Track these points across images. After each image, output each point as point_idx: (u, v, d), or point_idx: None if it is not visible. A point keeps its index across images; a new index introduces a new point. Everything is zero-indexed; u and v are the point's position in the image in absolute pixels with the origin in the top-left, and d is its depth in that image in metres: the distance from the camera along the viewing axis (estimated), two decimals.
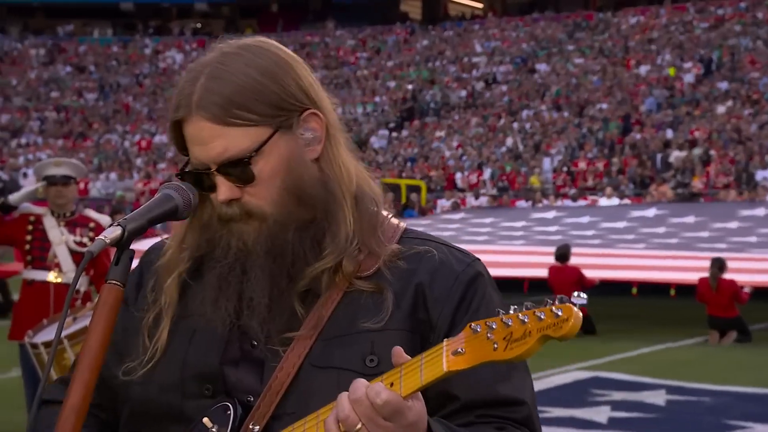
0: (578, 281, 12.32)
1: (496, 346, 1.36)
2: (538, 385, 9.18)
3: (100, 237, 1.45)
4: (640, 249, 14.39)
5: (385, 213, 1.67)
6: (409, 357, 1.43)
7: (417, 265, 1.63)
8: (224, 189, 1.59)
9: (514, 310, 1.37)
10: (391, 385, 1.40)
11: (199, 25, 46.82)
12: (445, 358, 1.39)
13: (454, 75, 36.13)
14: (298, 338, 1.58)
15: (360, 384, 1.41)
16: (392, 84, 36.70)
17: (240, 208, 1.60)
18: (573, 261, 12.61)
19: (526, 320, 1.35)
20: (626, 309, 14.38)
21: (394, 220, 1.69)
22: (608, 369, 10.07)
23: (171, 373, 1.62)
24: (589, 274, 12.59)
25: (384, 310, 1.59)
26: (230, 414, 1.56)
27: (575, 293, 1.35)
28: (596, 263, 13.27)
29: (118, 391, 1.68)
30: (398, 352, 1.44)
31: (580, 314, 1.33)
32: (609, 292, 14.03)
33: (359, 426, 1.39)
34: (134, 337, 1.67)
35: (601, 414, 7.99)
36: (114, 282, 1.48)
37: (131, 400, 1.58)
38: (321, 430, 1.45)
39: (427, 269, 1.63)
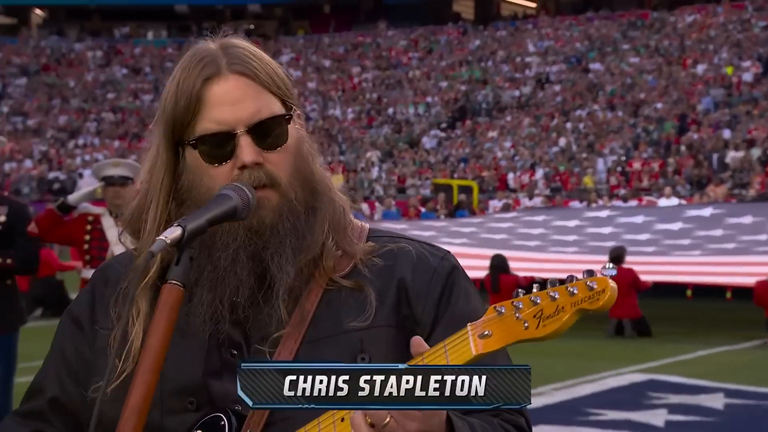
0: (633, 283, 12.19)
1: (526, 324, 1.36)
2: (593, 387, 9.11)
3: (161, 237, 1.43)
4: (695, 256, 14.15)
5: (350, 216, 1.68)
6: (428, 346, 1.42)
7: (394, 261, 1.63)
8: (251, 150, 1.55)
9: (538, 288, 1.37)
10: None
11: (252, 27, 47.14)
12: (472, 342, 1.39)
13: (506, 75, 35.94)
14: (284, 338, 1.56)
15: None
16: (444, 84, 36.61)
17: (266, 174, 1.56)
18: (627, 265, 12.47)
19: (556, 296, 1.35)
20: (682, 311, 14.21)
21: (357, 222, 1.69)
22: (665, 372, 9.93)
23: None
24: (643, 277, 12.45)
25: (368, 307, 1.58)
26: (224, 424, 1.53)
27: (604, 265, 1.36)
28: (651, 270, 13.08)
29: (79, 415, 1.65)
30: (418, 341, 1.43)
31: (615, 286, 1.33)
32: (664, 294, 13.87)
33: (388, 419, 1.38)
34: (97, 357, 1.63)
35: (657, 417, 7.88)
36: (174, 282, 1.45)
37: (100, 421, 1.44)
38: (340, 427, 1.44)
39: (407, 264, 1.63)
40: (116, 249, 6.38)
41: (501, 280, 12.36)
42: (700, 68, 31.40)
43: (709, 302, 14.04)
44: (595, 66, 34.27)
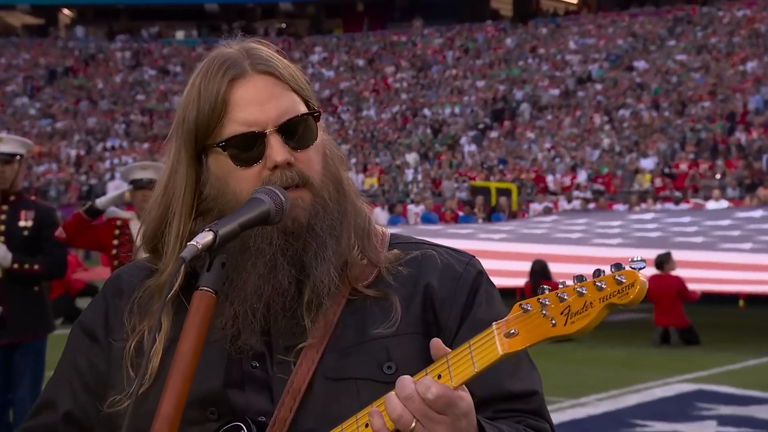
0: (680, 292, 11.79)
1: (554, 322, 1.35)
2: (639, 398, 8.88)
3: (192, 242, 1.42)
4: (746, 251, 13.72)
5: (373, 223, 1.67)
6: (449, 348, 1.41)
7: (419, 269, 1.62)
8: (282, 150, 1.54)
9: (563, 284, 1.35)
10: (439, 377, 1.39)
11: (283, 26, 47.07)
12: (498, 342, 1.38)
13: (546, 73, 35.47)
14: (306, 348, 1.54)
15: (407, 381, 1.39)
16: (482, 84, 36.23)
17: (298, 173, 1.55)
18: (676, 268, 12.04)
19: (584, 291, 1.33)
20: (731, 319, 13.95)
21: (379, 228, 1.69)
22: (714, 381, 9.67)
23: None
24: (692, 278, 12.02)
25: (393, 314, 1.57)
26: None
27: (633, 258, 1.32)
28: (701, 276, 12.63)
29: (93, 430, 1.64)
30: (437, 343, 1.42)
31: (645, 280, 1.30)
32: (713, 302, 13.51)
33: (414, 424, 1.37)
34: (113, 369, 1.61)
35: (706, 429, 7.62)
36: (206, 288, 1.43)
37: None
38: None
39: (432, 271, 1.62)
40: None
41: None
42: (750, 66, 30.70)
43: (760, 310, 13.63)
44: (639, 64, 33.66)
